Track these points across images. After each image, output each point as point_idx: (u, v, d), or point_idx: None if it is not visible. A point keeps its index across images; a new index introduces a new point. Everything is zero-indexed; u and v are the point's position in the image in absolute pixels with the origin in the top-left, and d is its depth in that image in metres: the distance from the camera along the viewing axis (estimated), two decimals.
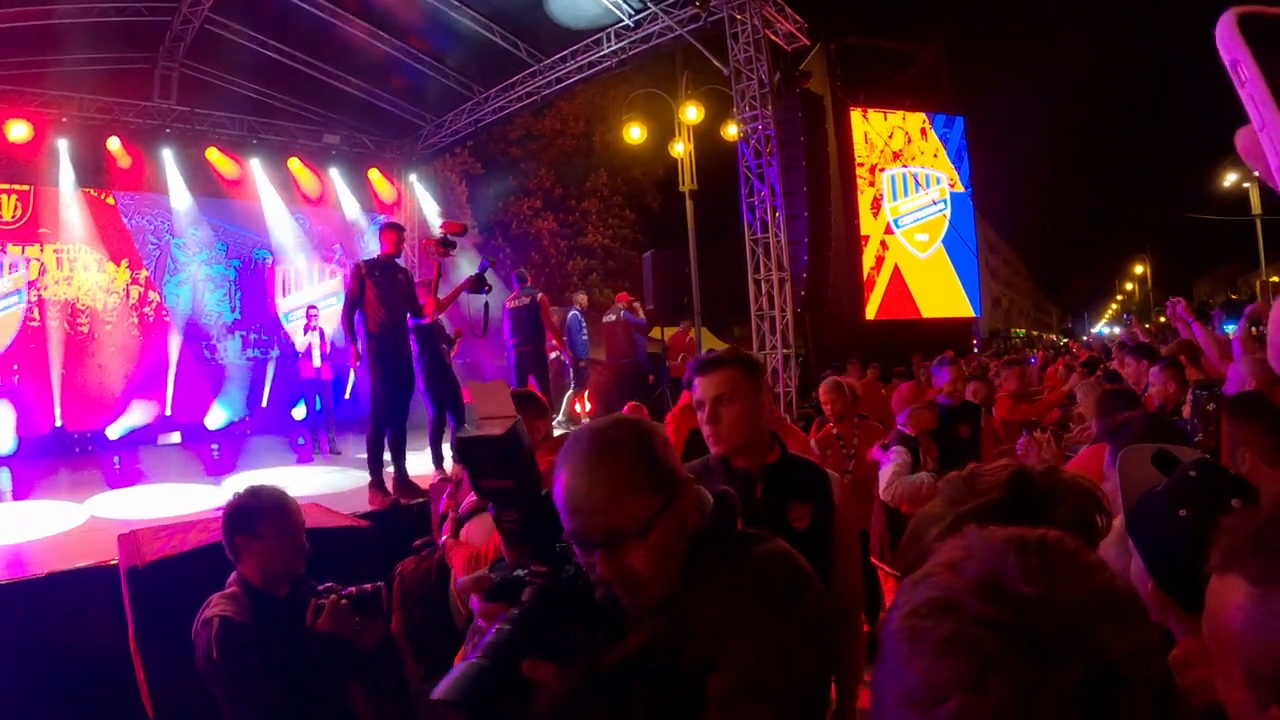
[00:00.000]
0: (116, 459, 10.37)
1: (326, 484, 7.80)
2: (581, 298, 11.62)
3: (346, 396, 12.42)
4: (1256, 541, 0.88)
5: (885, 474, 4.51)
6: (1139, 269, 68.38)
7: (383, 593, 2.75)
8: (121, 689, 3.61)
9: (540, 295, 8.96)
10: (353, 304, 6.34)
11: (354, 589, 2.68)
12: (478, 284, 6.89)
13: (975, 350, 18.72)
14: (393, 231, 6.74)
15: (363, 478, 6.90)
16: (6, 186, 11.19)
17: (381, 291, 6.30)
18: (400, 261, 6.65)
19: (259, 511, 2.75)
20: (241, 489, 2.87)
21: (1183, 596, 1.36)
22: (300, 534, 2.79)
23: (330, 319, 11.41)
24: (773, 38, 9.98)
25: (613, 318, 11.76)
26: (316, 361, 10.47)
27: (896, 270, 17.39)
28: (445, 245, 6.75)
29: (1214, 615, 0.91)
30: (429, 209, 14.84)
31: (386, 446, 6.42)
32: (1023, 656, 0.64)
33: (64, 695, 3.62)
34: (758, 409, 2.40)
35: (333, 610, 2.60)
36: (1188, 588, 1.31)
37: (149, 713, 3.29)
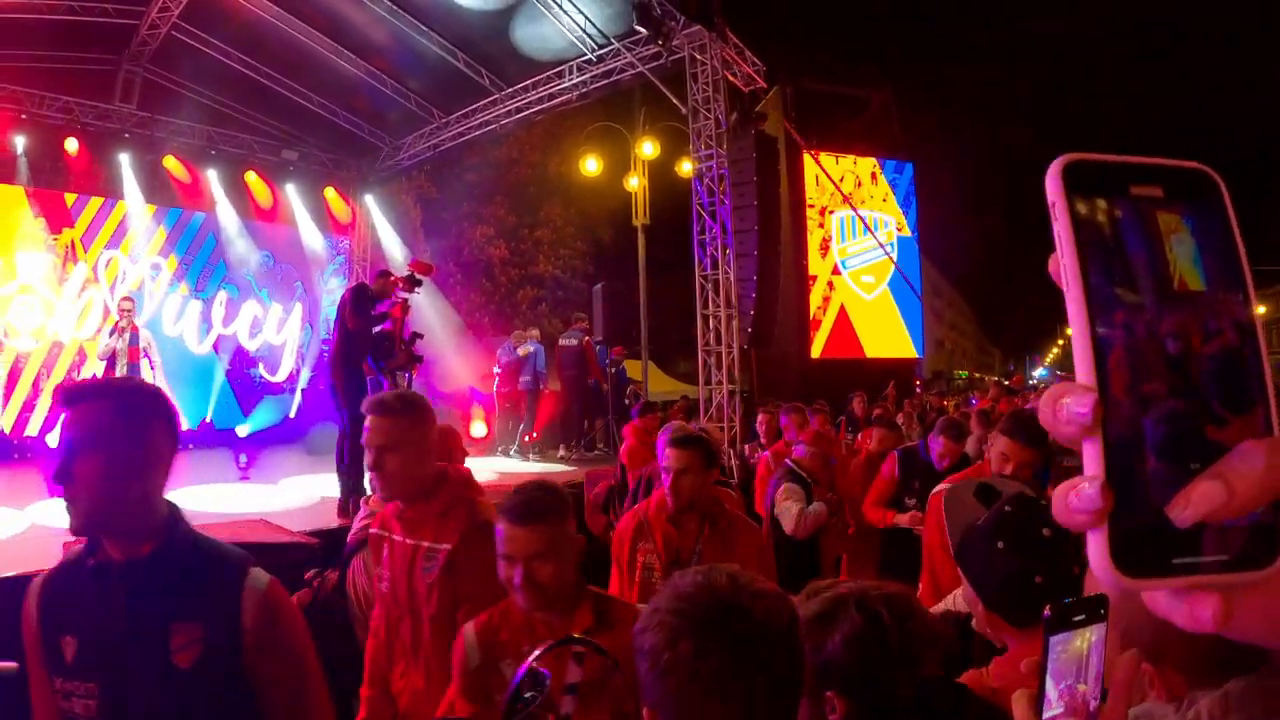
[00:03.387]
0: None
1: (277, 501, 7.75)
2: (535, 332, 11.77)
3: None
4: None
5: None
6: None
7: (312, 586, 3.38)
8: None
9: (586, 338, 10.24)
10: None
11: None
12: (409, 360, 7.04)
13: (919, 390, 19.09)
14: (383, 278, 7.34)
15: (309, 495, 6.94)
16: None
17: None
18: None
19: None
20: None
21: (1008, 614, 1.63)
22: None
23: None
24: (731, 79, 10.22)
25: (572, 341, 11.88)
26: (123, 371, 8.53)
27: (843, 310, 17.80)
28: (412, 283, 6.91)
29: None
30: (383, 230, 14.81)
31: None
32: (693, 624, 1.18)
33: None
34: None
35: None
36: (1012, 607, 1.62)
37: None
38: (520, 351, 11.60)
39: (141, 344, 8.61)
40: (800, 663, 1.24)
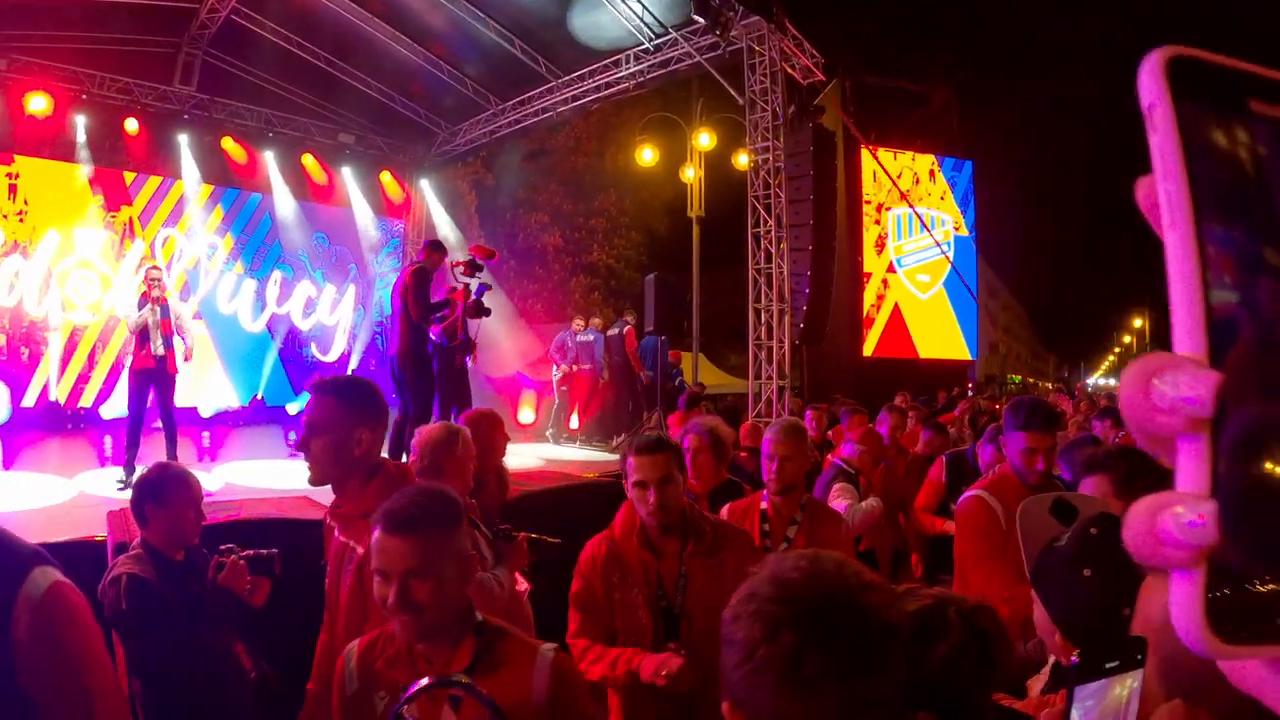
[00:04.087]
0: (108, 439, 10.38)
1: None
2: (597, 320, 11.74)
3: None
4: None
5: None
6: (1138, 322, 68.59)
7: (276, 558, 3.25)
8: None
9: (628, 328, 10.37)
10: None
11: (250, 551, 3.21)
12: (478, 310, 6.97)
13: (970, 393, 18.76)
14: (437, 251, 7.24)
15: None
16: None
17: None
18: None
19: (166, 483, 3.24)
20: (150, 464, 3.43)
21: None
22: (199, 505, 3.29)
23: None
24: (789, 71, 10.08)
25: (615, 331, 11.85)
26: (159, 348, 7.96)
27: (896, 309, 17.52)
28: (473, 267, 6.89)
29: (1141, 610, 1.11)
30: (438, 215, 14.88)
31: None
32: (796, 615, 1.02)
33: None
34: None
35: (232, 567, 3.11)
36: (1094, 641, 1.42)
37: (124, 689, 3.37)
38: (580, 339, 11.61)
39: (173, 316, 8.10)
40: (903, 671, 1.08)
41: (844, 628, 1.02)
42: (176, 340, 7.85)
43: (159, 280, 8.03)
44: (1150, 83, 0.36)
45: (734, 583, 2.15)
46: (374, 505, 2.21)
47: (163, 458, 4.87)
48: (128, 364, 11.05)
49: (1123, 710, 0.92)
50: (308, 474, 2.50)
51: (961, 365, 19.29)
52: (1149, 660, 1.02)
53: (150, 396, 7.80)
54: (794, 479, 3.43)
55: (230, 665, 3.22)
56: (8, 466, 8.54)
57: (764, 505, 3.47)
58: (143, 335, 7.80)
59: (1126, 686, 0.92)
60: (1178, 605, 0.33)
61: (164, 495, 3.21)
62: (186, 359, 8.01)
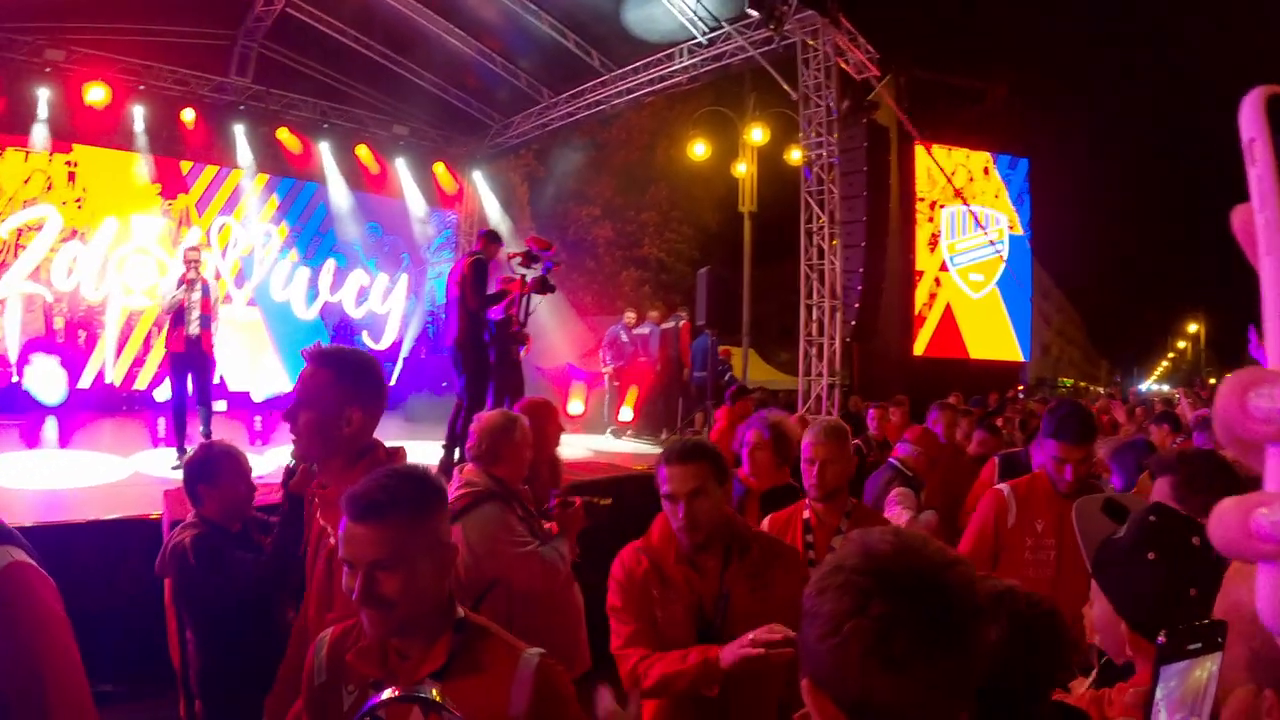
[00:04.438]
0: (160, 421, 10.61)
1: None
2: (630, 315, 11.73)
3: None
4: None
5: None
6: (1193, 327, 67.10)
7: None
8: (149, 643, 3.78)
9: (683, 323, 10.41)
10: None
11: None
12: (543, 286, 6.98)
13: (1021, 395, 18.45)
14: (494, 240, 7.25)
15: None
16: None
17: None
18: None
19: (213, 462, 3.32)
20: (196, 446, 3.58)
21: (1156, 633, 1.43)
22: (249, 478, 3.36)
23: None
24: (843, 66, 9.96)
25: (670, 325, 11.84)
26: (194, 328, 7.72)
27: (948, 308, 17.24)
28: (529, 258, 6.92)
29: (1227, 595, 1.12)
30: (490, 207, 15.02)
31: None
32: (885, 588, 0.97)
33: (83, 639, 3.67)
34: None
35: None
36: (1161, 625, 1.41)
37: (174, 665, 3.51)
38: (636, 332, 11.62)
39: (213, 297, 7.93)
40: (986, 653, 1.04)
41: (934, 603, 0.98)
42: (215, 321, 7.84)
43: (197, 261, 7.92)
44: (1251, 118, 0.40)
45: (780, 607, 2.20)
46: None
47: (217, 437, 4.88)
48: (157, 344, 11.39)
49: (1201, 692, 0.94)
50: (292, 448, 2.40)
51: (1013, 367, 18.96)
52: (1235, 649, 1.02)
53: (189, 378, 7.72)
54: (837, 483, 3.18)
55: (287, 633, 3.27)
56: (63, 445, 8.76)
57: (806, 514, 3.22)
58: (177, 316, 7.70)
59: (1206, 669, 0.94)
60: (1265, 595, 0.38)
61: (213, 475, 3.30)
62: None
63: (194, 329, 7.60)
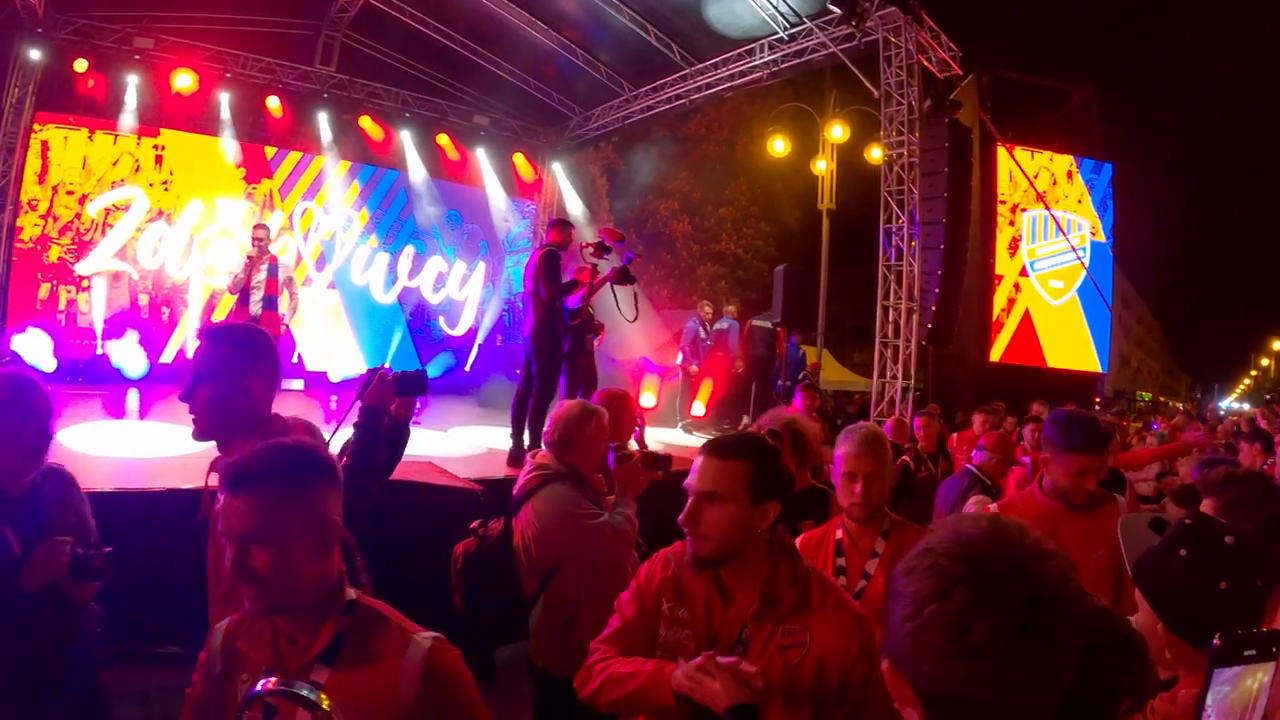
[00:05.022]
0: None
1: (446, 448, 7.95)
2: (707, 308, 11.70)
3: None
4: None
5: None
6: (1278, 345, 64.65)
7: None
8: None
9: (779, 325, 10.45)
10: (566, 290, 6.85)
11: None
12: (623, 277, 6.97)
13: (1098, 407, 17.96)
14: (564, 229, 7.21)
15: (478, 445, 7.13)
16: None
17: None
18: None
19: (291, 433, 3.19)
20: None
21: (1192, 634, 1.51)
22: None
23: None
24: (926, 64, 9.78)
25: (765, 323, 11.80)
26: (256, 307, 7.46)
27: (1027, 315, 16.87)
28: (602, 249, 6.93)
29: None
30: (569, 198, 15.15)
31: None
32: (971, 574, 0.96)
33: (149, 606, 3.76)
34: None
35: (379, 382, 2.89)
36: (1196, 624, 1.51)
37: None
38: (716, 327, 11.61)
39: (281, 277, 7.69)
40: (1072, 653, 0.99)
41: (1018, 594, 0.95)
42: (284, 298, 7.54)
43: (264, 240, 7.67)
44: None
45: (810, 678, 1.88)
46: None
47: (304, 415, 4.93)
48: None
49: (1252, 702, 0.93)
50: (191, 429, 2.32)
51: (1090, 378, 18.49)
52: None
53: None
54: (881, 501, 2.78)
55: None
56: (144, 417, 9.03)
57: (839, 534, 2.79)
58: (243, 295, 7.52)
59: (1258, 679, 0.93)
60: None
61: None
62: (293, 312, 7.94)
63: (255, 308, 7.44)
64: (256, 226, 7.92)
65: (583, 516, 3.21)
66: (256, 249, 7.57)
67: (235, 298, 7.57)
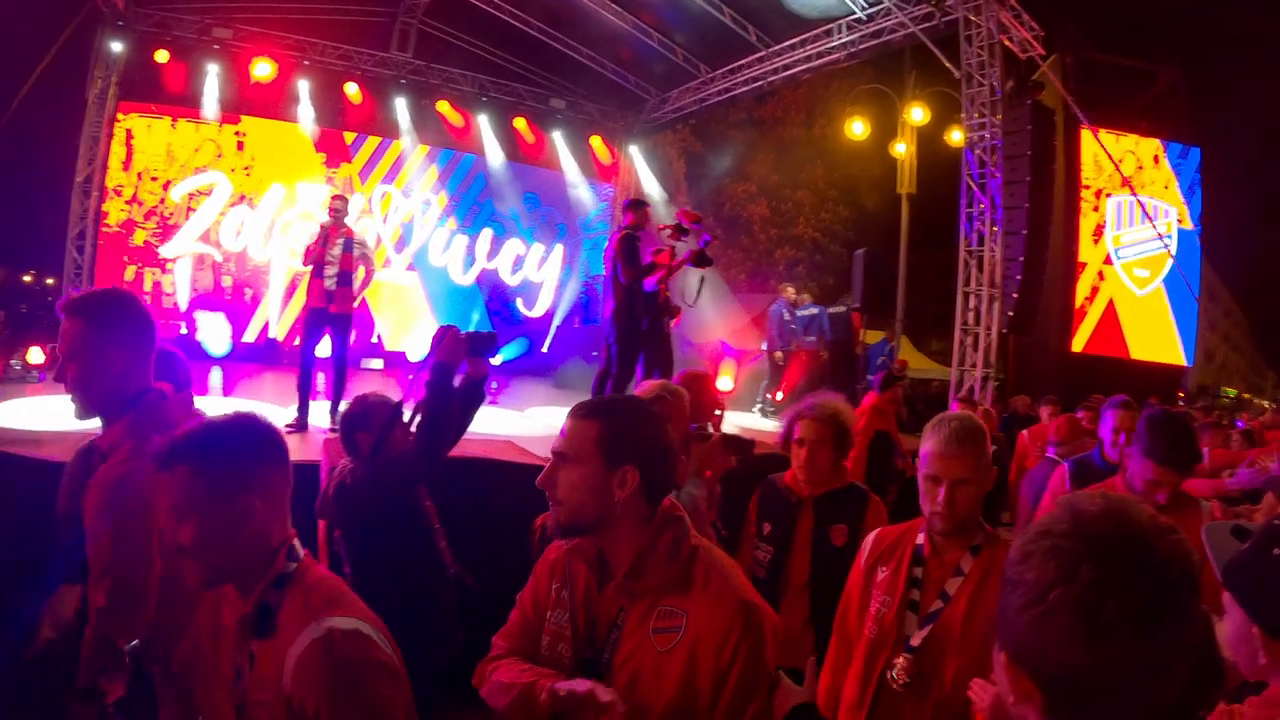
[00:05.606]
0: (320, 375, 11.17)
1: (523, 428, 8.04)
2: (790, 290, 11.60)
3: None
4: None
5: None
6: None
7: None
8: None
9: (856, 311, 10.46)
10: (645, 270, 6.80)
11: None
12: (700, 260, 6.93)
13: (1181, 403, 17.39)
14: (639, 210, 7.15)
15: (554, 425, 7.18)
16: None
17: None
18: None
19: (371, 411, 3.42)
20: (352, 399, 3.57)
21: None
22: (407, 427, 3.23)
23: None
24: (1007, 44, 9.50)
25: (841, 309, 11.69)
26: (331, 282, 7.04)
27: (1111, 304, 16.33)
28: (679, 231, 6.90)
29: None
30: (646, 180, 15.19)
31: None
32: (1096, 553, 0.94)
33: None
34: None
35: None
36: None
37: None
38: (802, 314, 11.53)
39: (356, 252, 7.26)
40: (1196, 633, 0.98)
41: (1147, 570, 0.94)
42: (359, 274, 7.20)
43: (340, 210, 7.27)
44: None
45: (680, 665, 1.64)
46: (122, 439, 2.13)
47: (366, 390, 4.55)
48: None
49: None
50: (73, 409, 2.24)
51: (1174, 371, 17.81)
52: None
53: (324, 337, 7.15)
54: (971, 510, 2.25)
55: (434, 560, 3.41)
56: (227, 394, 9.31)
57: (919, 539, 2.35)
58: (317, 269, 7.06)
59: None
60: None
61: (371, 423, 3.37)
62: (365, 285, 7.52)
63: (330, 283, 7.02)
64: (334, 197, 7.41)
65: None
66: (332, 219, 7.19)
67: (310, 270, 7.13)
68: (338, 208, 7.22)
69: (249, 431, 1.72)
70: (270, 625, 1.59)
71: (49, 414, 6.33)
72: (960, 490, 2.18)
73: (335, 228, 7.09)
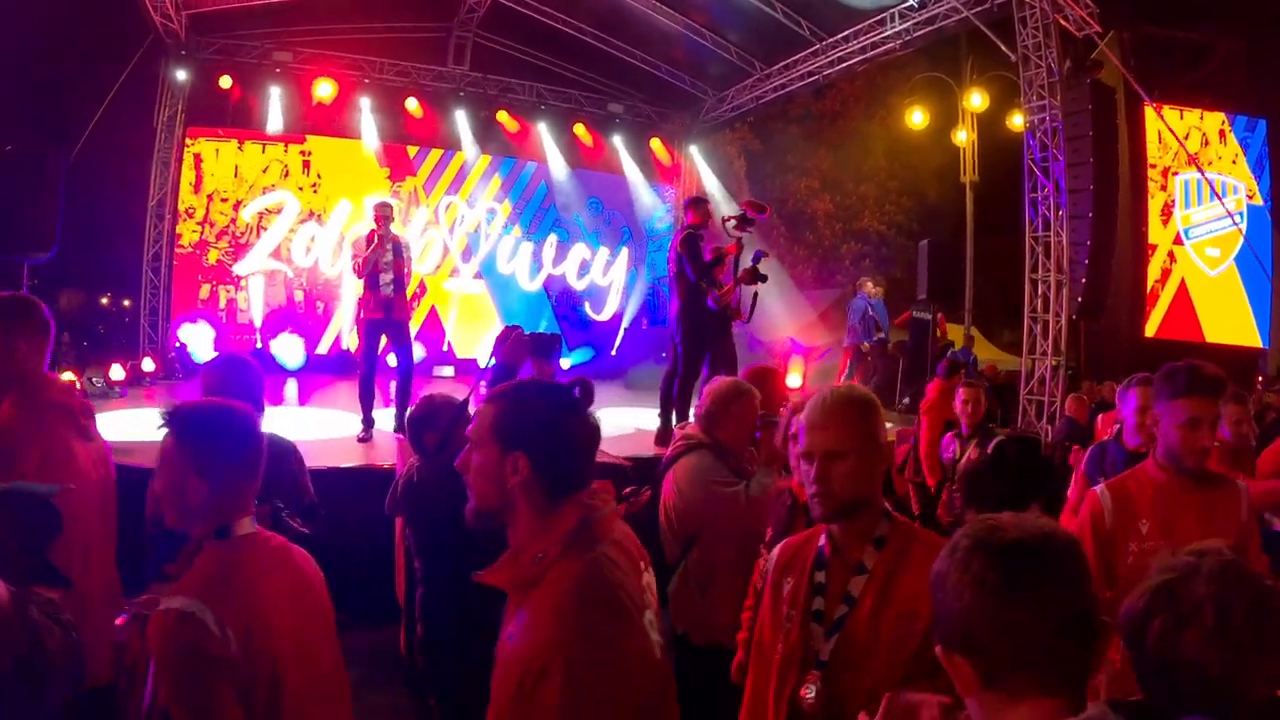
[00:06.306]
0: (392, 384, 11.47)
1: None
2: (868, 283, 11.56)
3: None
4: None
5: None
6: None
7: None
8: (373, 578, 4.22)
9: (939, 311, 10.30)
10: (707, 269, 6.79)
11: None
12: (754, 276, 6.80)
13: (1260, 386, 16.84)
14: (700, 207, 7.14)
15: (625, 426, 7.35)
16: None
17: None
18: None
19: (438, 412, 3.43)
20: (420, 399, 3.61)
21: None
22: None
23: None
24: (1063, 23, 9.32)
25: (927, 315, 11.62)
26: (389, 289, 7.00)
27: (1183, 286, 15.83)
28: (744, 222, 6.85)
29: None
30: (707, 180, 15.27)
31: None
32: (983, 545, 1.20)
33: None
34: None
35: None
36: None
37: (399, 599, 3.89)
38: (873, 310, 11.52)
39: (405, 255, 7.22)
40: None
41: (1009, 548, 1.19)
42: (415, 278, 7.51)
43: (387, 218, 7.12)
44: None
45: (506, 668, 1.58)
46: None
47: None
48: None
49: None
50: None
51: (1250, 353, 17.15)
52: None
53: (383, 345, 7.24)
54: (854, 491, 1.88)
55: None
56: (302, 404, 9.63)
57: (820, 541, 1.99)
58: (371, 279, 6.96)
59: None
60: None
61: (437, 422, 3.42)
62: (408, 281, 7.51)
63: (387, 290, 6.98)
64: (379, 205, 7.32)
65: (716, 484, 3.28)
66: (380, 227, 7.04)
67: (363, 282, 7.06)
68: (385, 215, 7.13)
69: (198, 415, 1.93)
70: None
71: (133, 426, 6.79)
72: (836, 465, 1.85)
73: (384, 235, 7.03)
